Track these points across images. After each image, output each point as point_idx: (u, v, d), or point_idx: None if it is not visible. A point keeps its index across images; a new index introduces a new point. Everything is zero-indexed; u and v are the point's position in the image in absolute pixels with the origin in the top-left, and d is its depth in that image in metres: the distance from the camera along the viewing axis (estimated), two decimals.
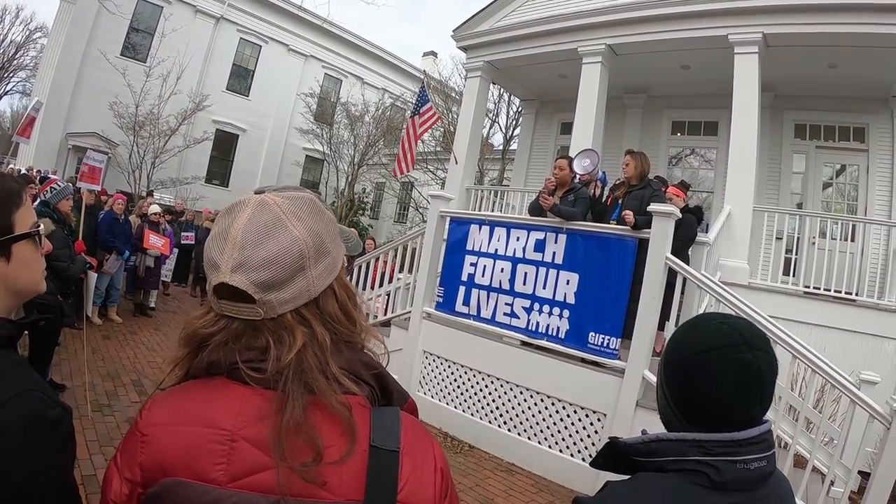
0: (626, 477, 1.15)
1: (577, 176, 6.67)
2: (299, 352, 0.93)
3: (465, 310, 6.72)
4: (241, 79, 25.00)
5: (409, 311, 7.37)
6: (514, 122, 20.94)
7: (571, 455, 5.75)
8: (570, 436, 5.81)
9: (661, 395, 1.19)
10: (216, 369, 0.95)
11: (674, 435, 1.12)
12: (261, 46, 25.26)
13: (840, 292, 7.86)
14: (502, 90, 19.03)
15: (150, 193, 16.13)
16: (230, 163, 24.96)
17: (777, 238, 8.52)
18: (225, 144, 24.63)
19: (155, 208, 11.01)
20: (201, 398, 0.94)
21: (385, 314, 7.87)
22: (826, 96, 10.17)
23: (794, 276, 8.30)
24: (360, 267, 8.25)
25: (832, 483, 4.72)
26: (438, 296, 7.05)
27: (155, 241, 10.27)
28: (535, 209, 6.53)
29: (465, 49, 12.07)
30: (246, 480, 0.88)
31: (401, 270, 7.95)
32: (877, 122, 10.05)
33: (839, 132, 10.45)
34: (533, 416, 6.05)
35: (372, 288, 8.14)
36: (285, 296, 0.95)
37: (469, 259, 6.74)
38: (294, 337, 0.94)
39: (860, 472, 4.77)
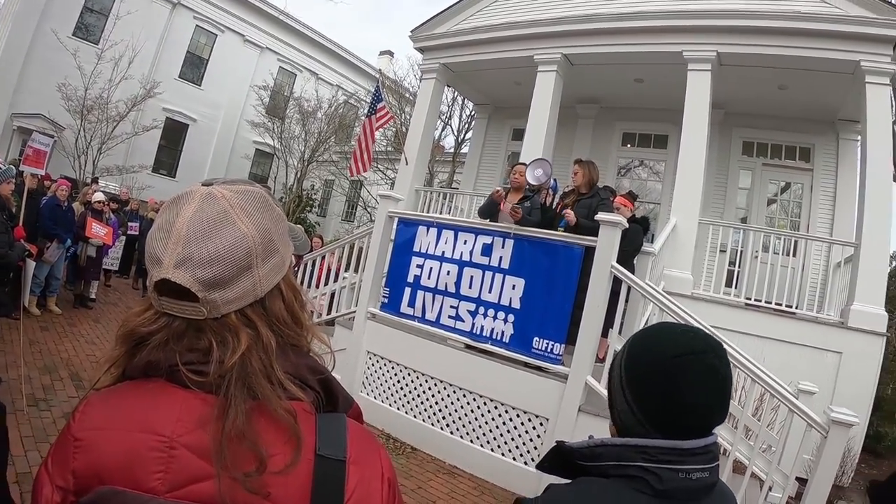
0: (569, 481, 1.15)
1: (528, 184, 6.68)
2: (243, 355, 0.87)
3: (410, 311, 6.65)
4: (194, 67, 24.35)
5: (354, 311, 7.26)
6: (466, 126, 21.05)
7: (514, 458, 5.74)
8: (513, 439, 5.81)
9: (622, 400, 1.15)
10: (155, 371, 0.89)
11: (618, 440, 1.11)
12: (216, 35, 24.66)
13: (780, 305, 8.09)
14: (456, 93, 19.05)
15: (94, 180, 15.62)
16: (179, 153, 24.25)
17: (721, 250, 8.73)
18: (174, 133, 23.93)
19: (99, 196, 10.60)
20: (139, 401, 0.87)
21: (329, 313, 7.74)
22: (775, 116, 10.51)
23: (736, 287, 8.50)
24: (305, 265, 8.10)
25: (770, 489, 4.87)
26: (384, 296, 6.96)
27: (97, 230, 9.89)
28: (486, 212, 6.51)
29: (421, 50, 12.03)
30: (185, 490, 0.82)
31: (346, 269, 7.83)
32: (822, 143, 10.45)
33: (785, 151, 10.82)
34: (476, 419, 6.02)
35: (317, 286, 8.00)
36: (230, 295, 0.90)
37: (416, 260, 6.68)
38: (238, 339, 0.89)
39: (797, 479, 4.89)
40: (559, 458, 1.18)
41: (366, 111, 10.74)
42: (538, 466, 1.24)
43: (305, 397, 0.92)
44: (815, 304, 8.54)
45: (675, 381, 1.08)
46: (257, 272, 0.92)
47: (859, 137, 9.10)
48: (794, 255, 8.97)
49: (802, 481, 4.91)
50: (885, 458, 9.21)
